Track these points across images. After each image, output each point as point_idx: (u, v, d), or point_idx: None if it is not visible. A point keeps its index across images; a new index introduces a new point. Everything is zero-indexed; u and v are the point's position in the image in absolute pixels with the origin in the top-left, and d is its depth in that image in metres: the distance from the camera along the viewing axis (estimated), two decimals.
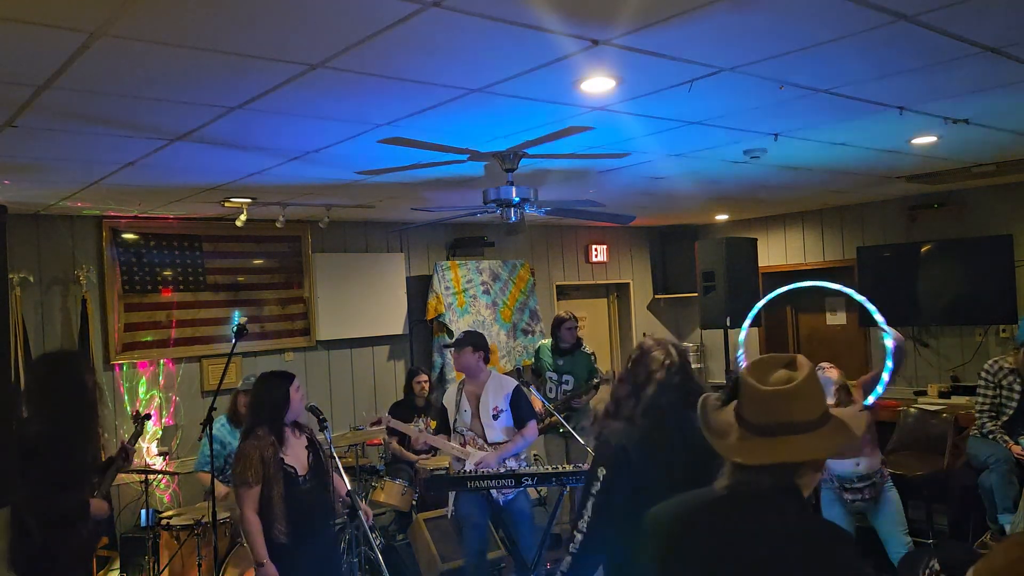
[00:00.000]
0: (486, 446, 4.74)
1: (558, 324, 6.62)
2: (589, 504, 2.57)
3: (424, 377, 6.41)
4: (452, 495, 4.94)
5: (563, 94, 3.19)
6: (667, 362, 2.69)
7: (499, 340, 7.71)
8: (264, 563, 3.53)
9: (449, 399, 4.98)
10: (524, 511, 4.78)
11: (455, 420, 4.89)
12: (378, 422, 5.20)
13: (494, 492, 4.61)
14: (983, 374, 5.29)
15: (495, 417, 4.78)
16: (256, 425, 3.69)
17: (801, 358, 1.70)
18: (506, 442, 4.75)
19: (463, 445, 4.79)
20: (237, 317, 4.41)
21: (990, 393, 5.23)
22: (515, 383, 4.92)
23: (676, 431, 2.53)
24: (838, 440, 1.66)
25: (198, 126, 3.39)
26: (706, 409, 1.81)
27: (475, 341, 4.90)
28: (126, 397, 5.94)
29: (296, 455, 3.74)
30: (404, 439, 6.30)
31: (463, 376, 4.97)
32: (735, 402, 1.74)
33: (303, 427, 3.86)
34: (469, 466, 4.65)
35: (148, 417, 4.45)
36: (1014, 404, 5.13)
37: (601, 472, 2.58)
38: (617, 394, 2.73)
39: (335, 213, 6.18)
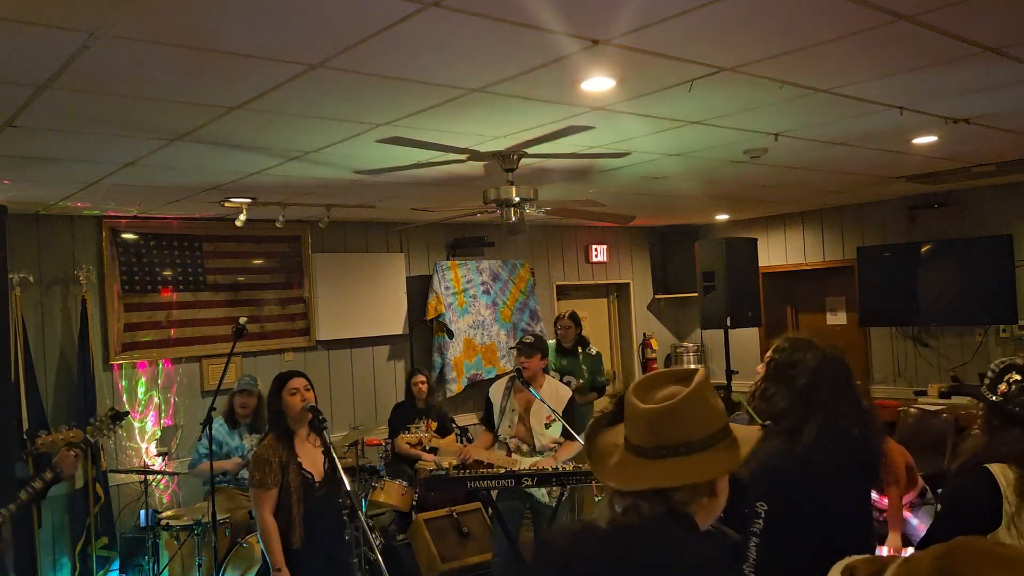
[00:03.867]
0: (532, 453, 4.61)
1: (555, 322, 6.70)
2: (751, 546, 2.26)
3: (422, 378, 6.39)
4: (494, 493, 4.83)
5: (563, 94, 3.19)
6: (823, 352, 2.38)
7: (499, 340, 7.71)
8: (281, 569, 3.51)
9: (496, 395, 4.81)
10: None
11: (499, 421, 4.74)
12: (466, 457, 5.01)
13: (537, 493, 4.56)
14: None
15: (547, 426, 4.65)
16: (269, 430, 3.72)
17: (700, 371, 1.56)
18: (555, 448, 4.63)
19: (508, 454, 4.64)
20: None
21: None
22: (570, 392, 4.78)
23: (850, 432, 2.28)
24: (724, 462, 1.52)
25: (198, 126, 3.39)
26: (594, 429, 1.66)
27: (544, 348, 4.77)
28: (125, 397, 5.93)
29: (312, 461, 3.71)
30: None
31: (511, 373, 4.82)
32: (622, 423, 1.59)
33: (320, 431, 3.75)
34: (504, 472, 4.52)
35: (123, 415, 3.88)
36: None
37: (761, 508, 2.26)
38: (768, 409, 2.39)
39: (335, 213, 6.18)
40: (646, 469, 1.50)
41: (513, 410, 4.69)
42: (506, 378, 4.90)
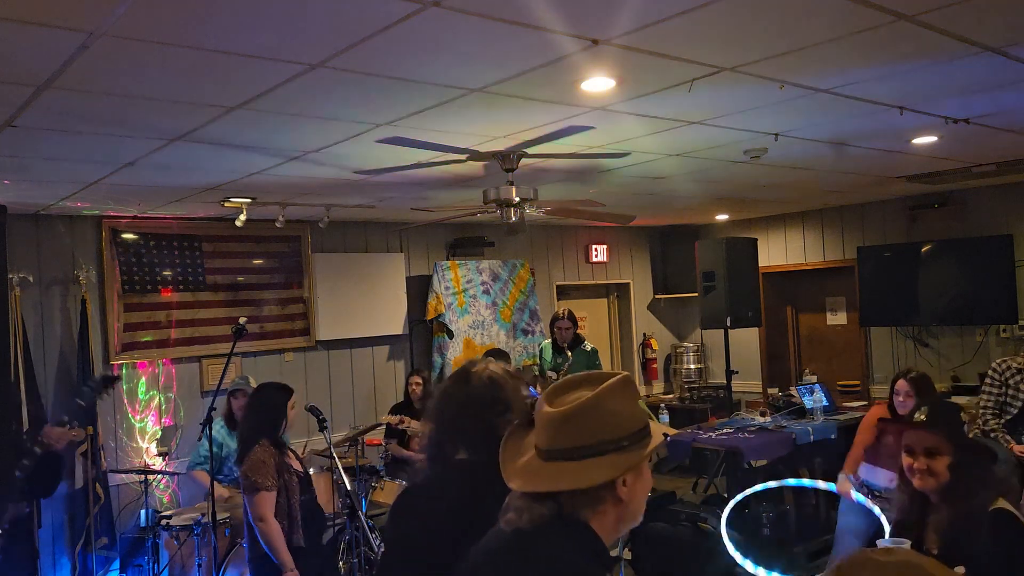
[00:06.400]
0: None
1: (552, 322, 6.68)
2: None
3: (417, 380, 6.39)
4: None
5: (563, 94, 3.19)
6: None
7: (499, 340, 7.70)
8: (293, 569, 3.57)
9: None
10: None
11: None
12: (401, 421, 5.13)
13: None
14: (991, 372, 5.31)
15: None
16: (258, 435, 3.73)
17: (617, 377, 1.52)
18: None
19: None
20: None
21: (995, 391, 5.25)
22: (532, 389, 4.84)
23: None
24: (608, 469, 1.47)
25: (198, 126, 3.39)
26: (512, 431, 1.66)
27: (505, 358, 4.79)
28: (126, 397, 5.93)
29: (295, 463, 3.83)
30: (402, 439, 6.29)
31: None
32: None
33: (316, 418, 4.04)
34: None
35: (115, 379, 4.07)
36: (1019, 404, 5.15)
37: None
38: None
39: (335, 213, 6.18)
40: (541, 471, 1.50)
41: None
42: None
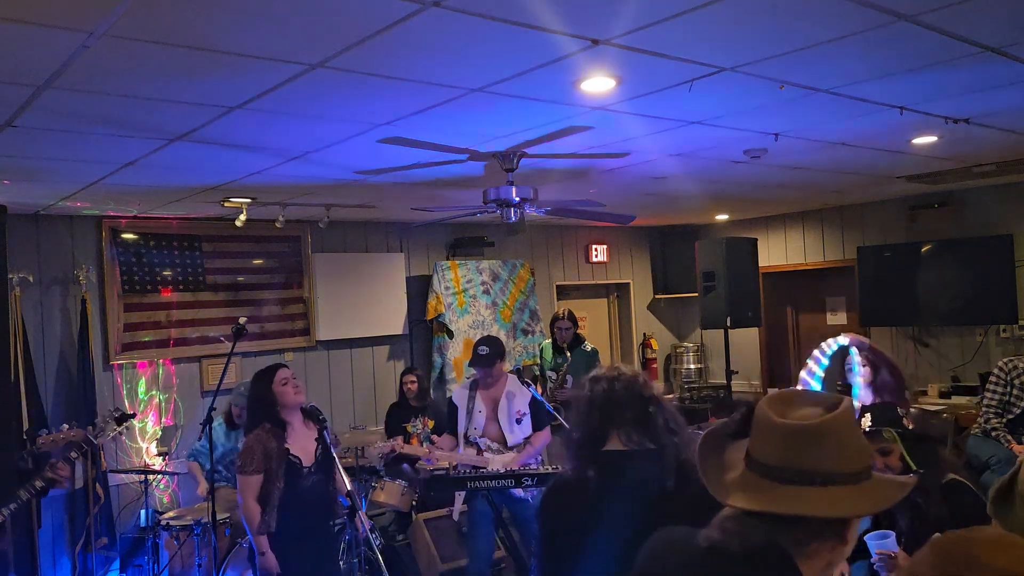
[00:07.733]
0: (503, 450, 4.60)
1: (552, 322, 6.68)
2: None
3: (411, 378, 6.40)
4: (460, 496, 4.85)
5: (563, 94, 3.19)
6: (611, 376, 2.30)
7: None
8: (265, 552, 3.59)
9: (459, 400, 4.76)
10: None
11: (466, 424, 4.67)
12: (391, 450, 5.15)
13: (520, 492, 4.49)
14: (996, 370, 5.31)
15: (519, 421, 4.62)
16: (257, 423, 3.73)
17: (848, 399, 1.36)
18: (524, 446, 4.64)
19: (479, 453, 4.61)
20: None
21: (1000, 390, 5.25)
22: (531, 385, 4.79)
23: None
24: (869, 501, 1.32)
25: (198, 126, 3.39)
26: (713, 440, 1.50)
27: (502, 351, 4.70)
28: (125, 397, 5.93)
29: (303, 446, 3.77)
30: (406, 437, 6.29)
31: (473, 375, 4.81)
32: (747, 439, 1.42)
33: (316, 419, 3.84)
34: (495, 470, 4.49)
35: (129, 417, 4.08)
36: (1023, 404, 5.15)
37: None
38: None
39: (335, 213, 6.18)
40: (770, 492, 1.32)
41: (480, 411, 4.67)
42: (468, 381, 4.88)
